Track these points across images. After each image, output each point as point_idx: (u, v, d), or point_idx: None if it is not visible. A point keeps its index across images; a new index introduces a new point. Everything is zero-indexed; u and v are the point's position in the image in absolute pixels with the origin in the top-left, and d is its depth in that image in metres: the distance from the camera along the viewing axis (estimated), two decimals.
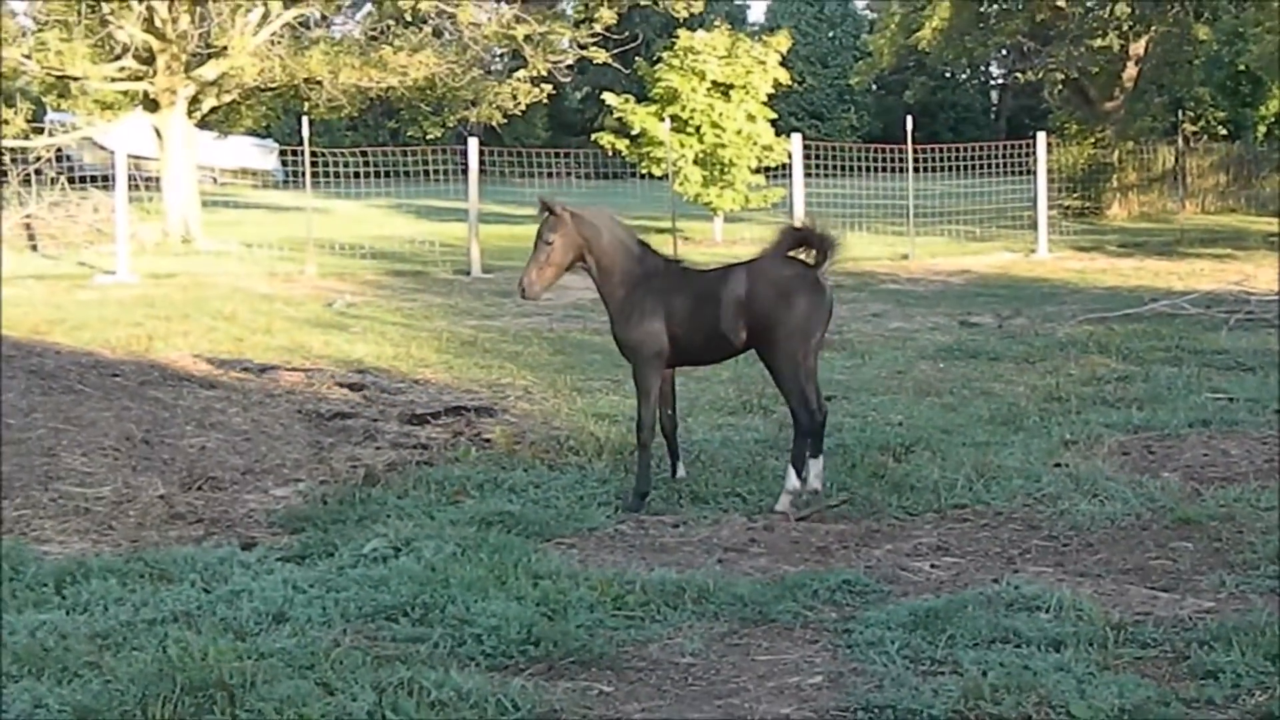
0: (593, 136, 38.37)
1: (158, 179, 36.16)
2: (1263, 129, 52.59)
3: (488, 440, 12.70)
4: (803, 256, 10.74)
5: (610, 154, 37.71)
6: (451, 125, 42.74)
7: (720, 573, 8.95)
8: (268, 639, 7.49)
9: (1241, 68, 47.20)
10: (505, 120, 40.02)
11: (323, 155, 34.26)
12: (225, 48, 34.86)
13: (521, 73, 38.15)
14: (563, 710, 6.81)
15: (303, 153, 31.49)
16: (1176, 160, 45.34)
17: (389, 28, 37.13)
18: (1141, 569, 9.14)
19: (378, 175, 36.25)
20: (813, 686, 7.21)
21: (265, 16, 35.45)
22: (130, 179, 29.91)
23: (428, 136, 44.10)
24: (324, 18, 39.27)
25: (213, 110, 37.93)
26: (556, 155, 39.43)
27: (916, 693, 6.86)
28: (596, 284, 10.94)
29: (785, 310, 10.34)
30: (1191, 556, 9.35)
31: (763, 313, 10.35)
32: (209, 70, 35.56)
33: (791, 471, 10.50)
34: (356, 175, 35.94)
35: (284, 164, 49.05)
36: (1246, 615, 7.94)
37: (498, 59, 43.13)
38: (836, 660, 7.53)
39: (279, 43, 35.50)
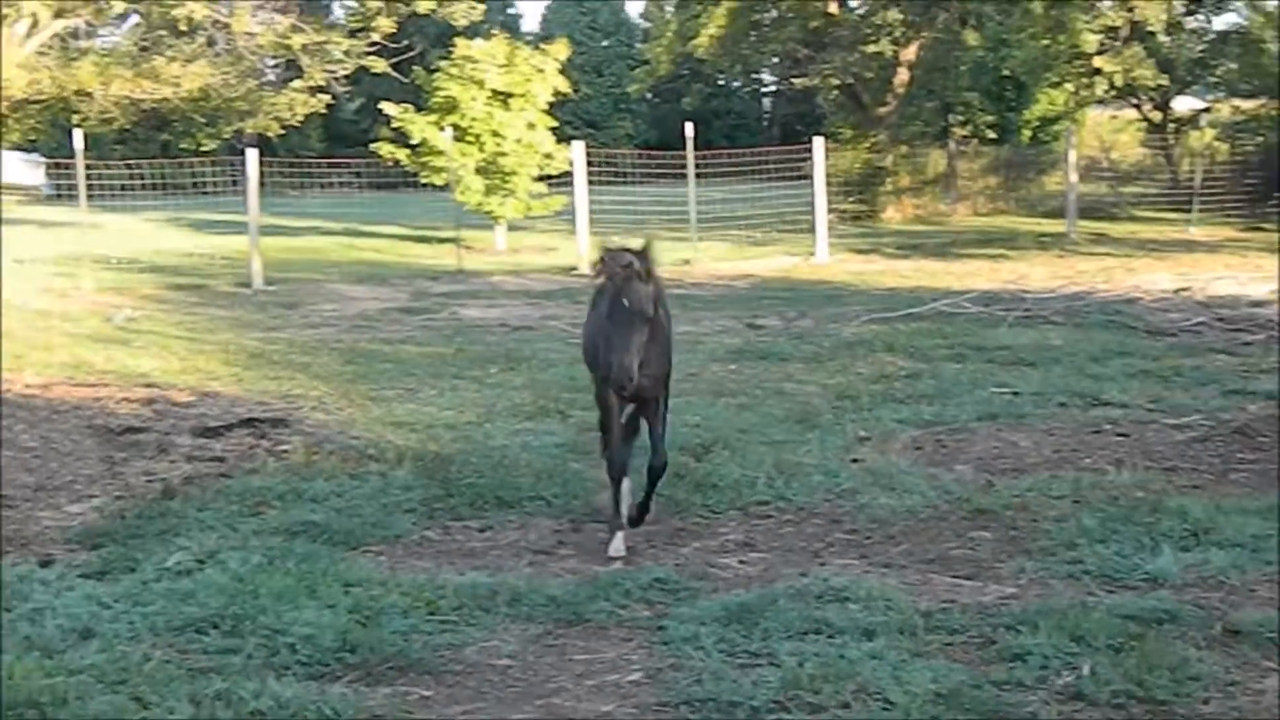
0: (372, 146, 38.02)
1: None
2: (1028, 132, 53.95)
3: (285, 451, 12.53)
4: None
5: (390, 164, 37.42)
6: (226, 137, 41.97)
7: (531, 575, 8.98)
8: (76, 655, 7.33)
9: (1006, 73, 48.32)
10: (281, 132, 39.48)
11: (95, 169, 33.50)
12: None
13: (298, 83, 37.60)
14: (384, 715, 6.78)
15: (75, 166, 30.78)
16: (948, 164, 46.34)
17: (161, 38, 36.37)
18: (943, 558, 9.34)
19: (151, 188, 35.56)
20: (632, 683, 7.25)
21: (33, 26, 34.52)
22: None
23: (202, 148, 43.28)
24: (91, 27, 38.34)
25: None
26: (335, 166, 39.11)
27: (736, 685, 6.94)
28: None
29: None
30: (990, 545, 9.57)
31: None
32: None
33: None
34: (124, 188, 35.19)
35: (50, 178, 47.80)
36: (1048, 600, 8.18)
37: (273, 69, 42.45)
38: (653, 657, 7.59)
39: (48, 54, 34.59)
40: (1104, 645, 7.33)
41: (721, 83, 70.06)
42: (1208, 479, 11.27)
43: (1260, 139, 43.43)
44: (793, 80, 47.01)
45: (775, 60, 54.03)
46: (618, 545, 9.55)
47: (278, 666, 7.27)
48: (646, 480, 9.91)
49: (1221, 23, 45.40)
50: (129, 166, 35.45)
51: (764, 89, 76.75)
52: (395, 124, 36.25)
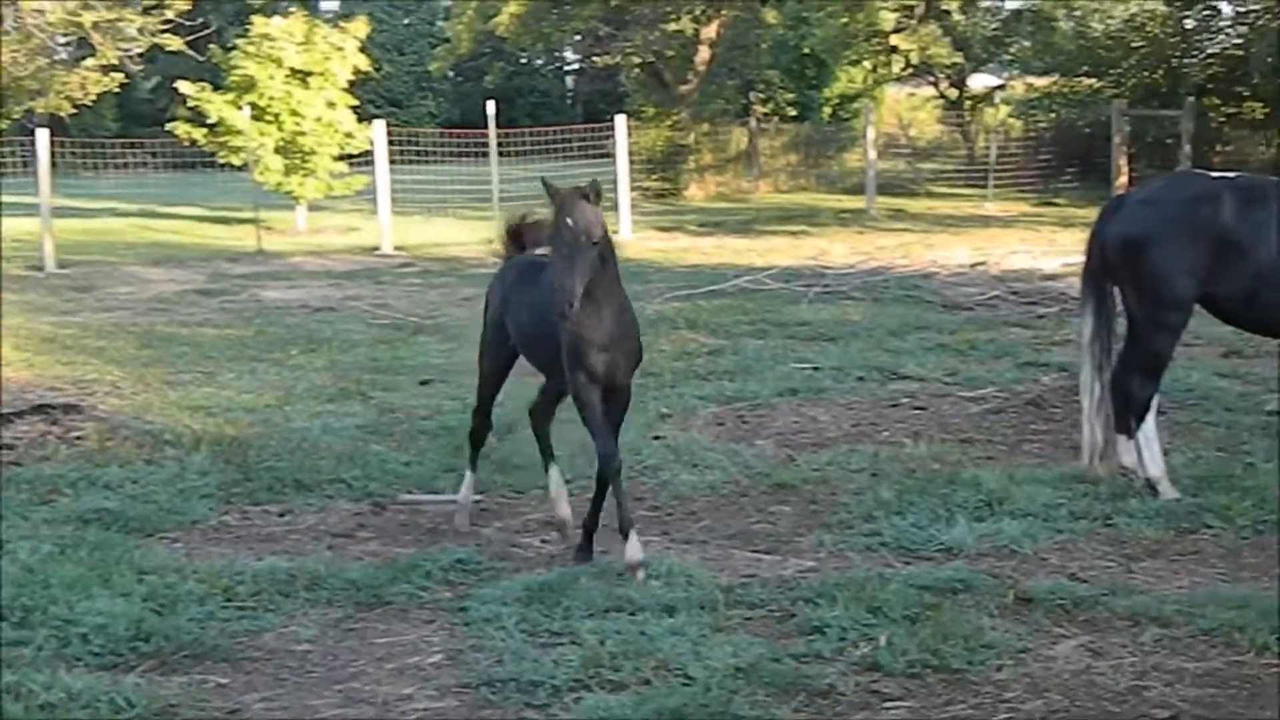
0: (168, 126, 37.25)
1: None
2: (828, 110, 54.44)
3: (79, 438, 12.24)
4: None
5: (187, 144, 36.71)
6: (16, 117, 40.94)
7: (331, 559, 8.89)
8: None
9: (806, 51, 48.68)
10: (74, 111, 38.61)
11: None
12: None
13: (90, 61, 36.79)
14: (179, 705, 6.66)
15: None
16: (750, 141, 46.64)
17: None
18: (744, 533, 9.42)
19: None
20: (433, 665, 7.22)
21: None
22: None
23: None
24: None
25: None
26: (129, 146, 38.34)
27: (537, 664, 6.94)
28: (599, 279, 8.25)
29: None
30: (790, 519, 9.68)
31: None
32: None
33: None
34: None
35: None
36: (846, 572, 8.29)
37: (64, 47, 41.45)
38: (455, 638, 7.56)
39: None
40: (900, 616, 7.45)
41: (524, 61, 69.75)
42: (1002, 450, 11.49)
43: (1053, 115, 44.35)
44: (595, 58, 46.95)
45: (577, 38, 53.93)
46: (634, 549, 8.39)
47: (69, 658, 7.12)
48: (597, 484, 8.80)
49: (1015, 2, 46.22)
50: None
51: (566, 67, 76.60)
52: (192, 103, 35.54)
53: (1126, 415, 10.06)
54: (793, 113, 51.79)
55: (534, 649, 7.17)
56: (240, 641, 7.51)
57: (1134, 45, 41.05)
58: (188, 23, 36.31)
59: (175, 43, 35.99)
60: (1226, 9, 41.07)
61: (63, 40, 39.73)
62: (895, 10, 41.24)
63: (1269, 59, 35.98)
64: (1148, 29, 41.45)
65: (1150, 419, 10.07)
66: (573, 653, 7.03)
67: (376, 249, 29.33)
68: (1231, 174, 10.42)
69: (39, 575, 8.11)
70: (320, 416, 13.07)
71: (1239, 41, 39.87)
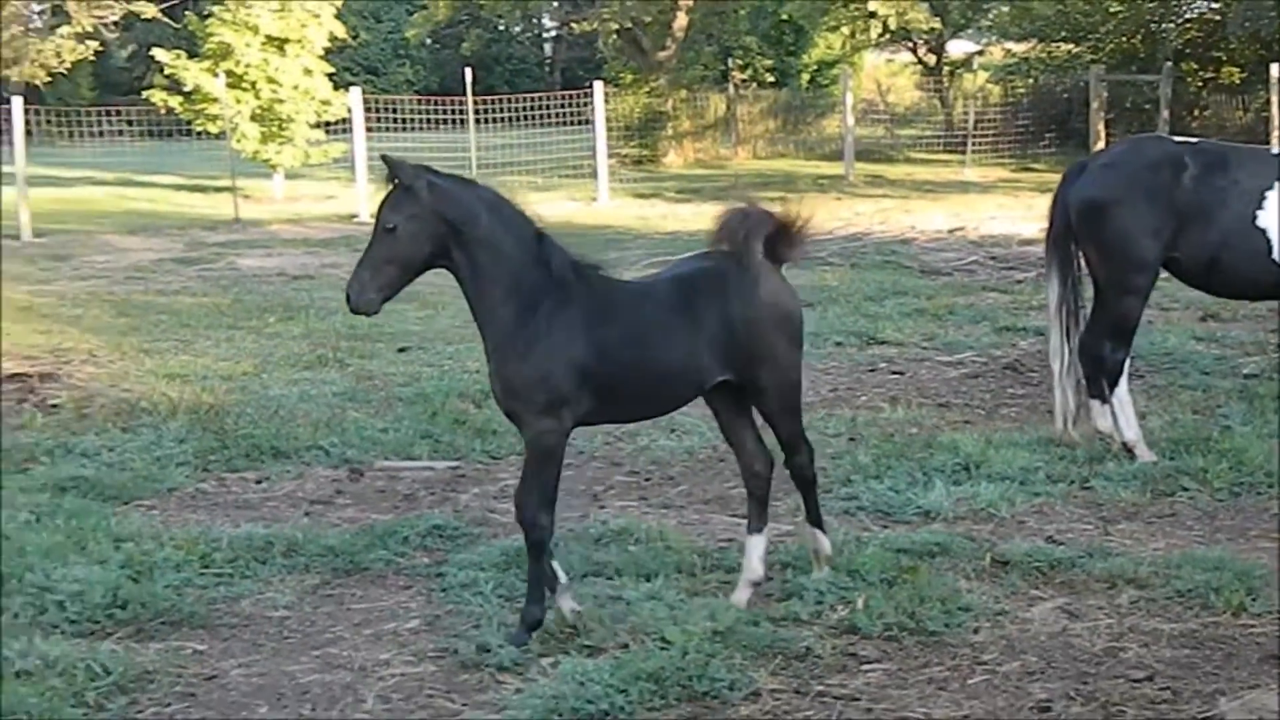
0: (144, 94, 37.11)
1: None
2: (806, 77, 54.42)
3: (54, 406, 12.22)
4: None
5: (164, 112, 36.57)
6: None
7: (308, 525, 8.88)
8: None
9: (785, 16, 48.65)
10: (49, 79, 38.48)
11: None
12: None
13: (66, 29, 36.67)
14: (156, 671, 6.66)
15: None
16: (728, 107, 46.56)
17: None
18: (721, 498, 9.43)
19: None
20: (410, 631, 7.23)
21: None
22: None
23: None
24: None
25: None
26: (105, 114, 38.17)
27: (513, 630, 6.92)
28: (468, 296, 7.06)
29: (785, 334, 7.29)
30: None
31: (760, 341, 7.20)
32: None
33: (754, 553, 7.55)
34: None
35: None
36: None
37: (39, 15, 41.34)
38: (432, 604, 7.57)
39: None
40: (878, 579, 7.47)
41: (502, 27, 69.68)
42: (979, 415, 11.52)
43: (1031, 81, 44.34)
44: (573, 25, 46.87)
45: (555, 4, 53.87)
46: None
47: (45, 625, 7.11)
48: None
49: None
50: None
51: (545, 34, 76.48)
52: (168, 71, 35.38)
53: (1099, 380, 10.08)
54: (771, 79, 51.69)
55: (511, 614, 7.15)
56: (217, 608, 7.51)
57: (1112, 10, 41.00)
58: None
59: (150, 10, 35.90)
60: None
61: (38, 8, 39.58)
62: None
63: (1246, 23, 35.98)
64: None
65: (1123, 382, 10.11)
66: (550, 616, 7.02)
67: (354, 216, 29.22)
68: (1194, 139, 10.46)
69: (15, 543, 8.10)
70: (298, 384, 13.04)
71: (1217, 6, 39.86)
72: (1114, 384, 10.04)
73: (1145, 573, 7.59)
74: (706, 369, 7.11)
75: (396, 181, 6.88)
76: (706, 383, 7.18)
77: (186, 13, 38.22)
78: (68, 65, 37.51)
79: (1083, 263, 10.23)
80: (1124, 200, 9.80)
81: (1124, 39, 41.19)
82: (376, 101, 36.23)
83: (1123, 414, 10.01)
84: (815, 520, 7.74)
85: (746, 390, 7.35)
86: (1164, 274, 10.17)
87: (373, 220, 6.97)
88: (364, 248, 6.86)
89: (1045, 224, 10.41)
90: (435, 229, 6.83)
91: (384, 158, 6.97)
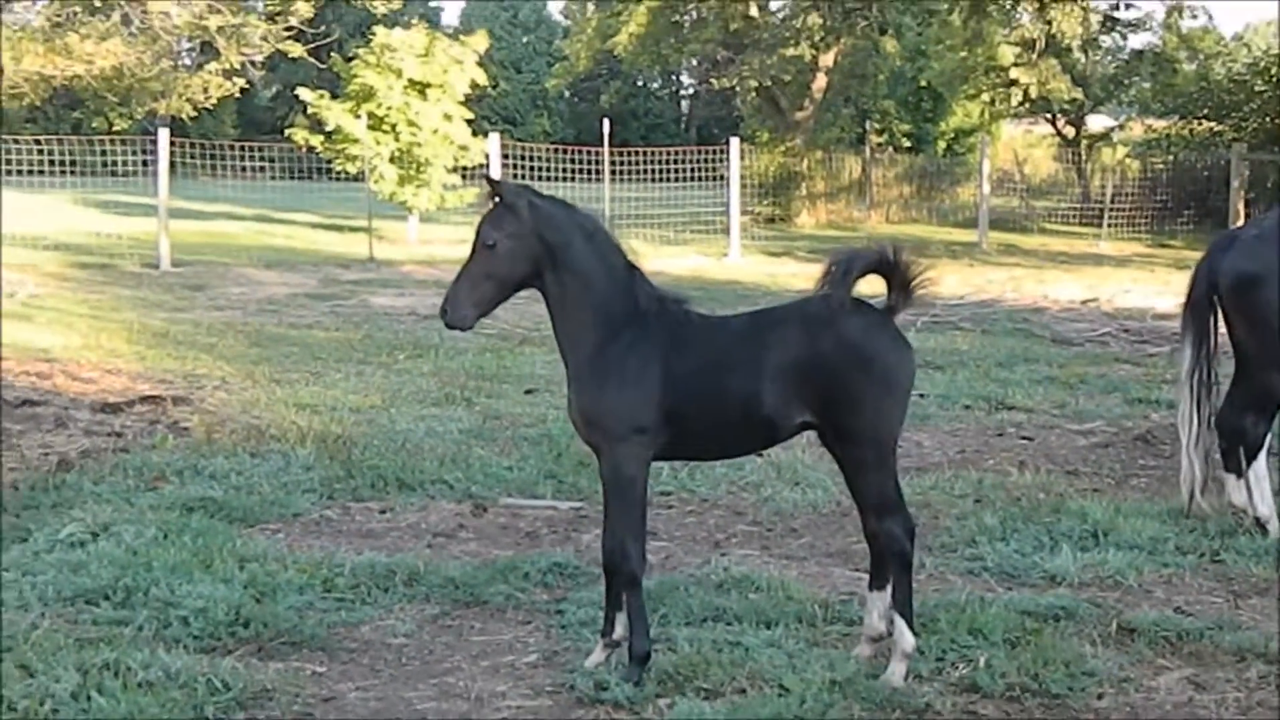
0: (286, 132, 37.70)
1: None
2: (943, 143, 54.39)
3: (185, 428, 12.39)
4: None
5: (304, 150, 37.13)
6: (139, 117, 41.54)
7: (430, 556, 8.90)
8: None
9: (924, 83, 48.71)
10: (194, 115, 39.16)
11: (3, 146, 33.10)
12: None
13: (213, 65, 37.31)
14: (275, 689, 6.68)
15: None
16: (863, 170, 46.57)
17: (75, 15, 35.94)
18: (844, 552, 9.33)
19: (59, 167, 35.15)
20: (528, 665, 7.21)
21: None
22: None
23: (114, 128, 42.77)
24: (4, 2, 37.82)
25: None
26: (247, 150, 38.77)
27: (625, 666, 6.89)
28: (553, 319, 7.04)
29: (867, 378, 6.87)
30: None
31: (835, 382, 6.85)
32: None
33: (903, 624, 6.91)
34: (33, 171, 34.78)
35: None
36: (947, 594, 8.18)
37: (188, 51, 42.09)
38: (550, 640, 7.54)
39: None
40: (1001, 640, 7.34)
41: (640, 82, 70.20)
42: (1109, 483, 11.34)
43: (1170, 157, 43.96)
44: (711, 82, 47.13)
45: (694, 61, 54.23)
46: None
47: (168, 639, 7.17)
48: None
49: (1137, 41, 45.98)
50: (38, 144, 34.99)
51: (682, 90, 76.92)
52: (311, 110, 35.97)
53: (1237, 453, 9.90)
54: (907, 144, 51.78)
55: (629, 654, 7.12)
56: (337, 632, 7.54)
57: (1256, 89, 40.60)
58: (310, 30, 36.73)
59: (297, 49, 36.41)
60: None
61: (187, 44, 40.31)
62: (1015, 44, 41.07)
63: None
64: (1270, 73, 41.01)
65: (1261, 457, 9.91)
66: (668, 659, 6.99)
67: None
68: None
69: (142, 558, 8.19)
70: (425, 419, 13.12)
71: None
72: (1252, 459, 9.86)
73: (1275, 648, 7.42)
74: (780, 405, 6.85)
75: (498, 199, 6.89)
76: (783, 420, 6.92)
77: (332, 54, 38.79)
78: (213, 101, 38.11)
79: (1220, 333, 10.06)
80: (1277, 274, 9.62)
81: (1267, 118, 40.74)
82: (514, 149, 36.52)
83: (1258, 489, 9.81)
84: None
85: (826, 436, 7.06)
86: None
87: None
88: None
89: (1182, 299, 10.23)
90: (533, 248, 6.85)
91: (486, 177, 7.02)
